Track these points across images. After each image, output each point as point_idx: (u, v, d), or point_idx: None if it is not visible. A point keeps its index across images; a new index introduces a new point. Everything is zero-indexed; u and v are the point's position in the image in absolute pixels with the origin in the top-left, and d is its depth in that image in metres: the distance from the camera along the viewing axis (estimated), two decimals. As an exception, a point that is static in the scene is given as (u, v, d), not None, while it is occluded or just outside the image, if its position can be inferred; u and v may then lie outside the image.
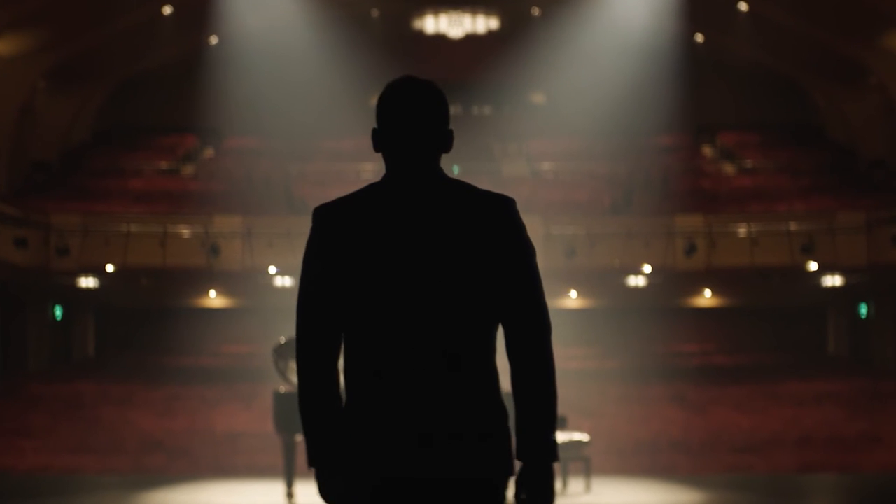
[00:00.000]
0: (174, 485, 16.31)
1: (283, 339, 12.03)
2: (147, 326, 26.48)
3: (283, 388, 12.01)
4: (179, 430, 19.93)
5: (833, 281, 23.31)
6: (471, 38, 31.26)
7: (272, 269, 23.10)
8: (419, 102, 2.90)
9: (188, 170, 29.42)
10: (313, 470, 2.92)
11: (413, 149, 2.90)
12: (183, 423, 20.27)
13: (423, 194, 2.88)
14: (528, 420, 2.85)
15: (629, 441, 19.47)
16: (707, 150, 30.89)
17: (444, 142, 2.94)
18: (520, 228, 2.89)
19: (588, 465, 15.39)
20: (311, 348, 2.88)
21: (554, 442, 2.86)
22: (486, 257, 2.85)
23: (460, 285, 2.83)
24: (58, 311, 26.42)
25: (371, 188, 2.92)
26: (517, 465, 2.86)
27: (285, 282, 23.43)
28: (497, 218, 2.87)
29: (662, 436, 19.80)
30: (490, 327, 2.87)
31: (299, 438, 11.88)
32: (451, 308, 2.83)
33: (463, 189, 2.91)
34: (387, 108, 2.91)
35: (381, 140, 2.93)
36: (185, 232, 23.23)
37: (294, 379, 11.87)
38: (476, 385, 2.83)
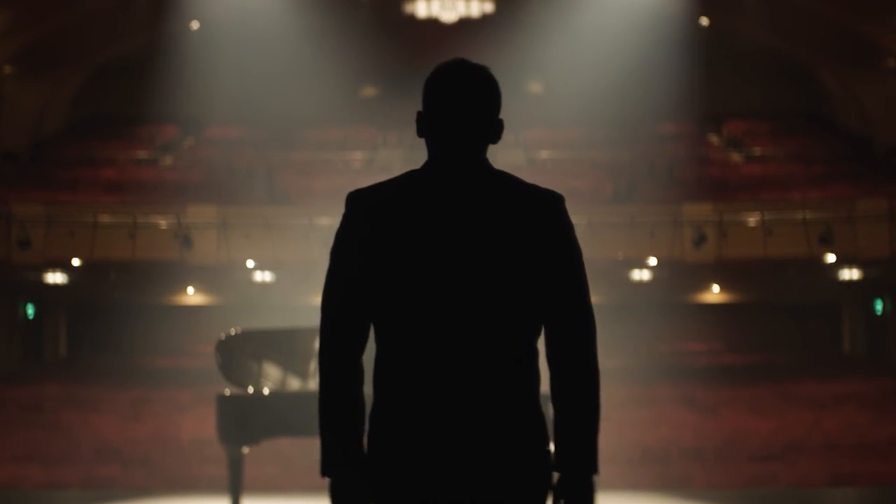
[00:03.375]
0: (121, 500, 14.75)
1: (232, 331, 10.51)
2: (120, 324, 25.17)
3: (227, 391, 10.46)
4: (142, 437, 18.43)
5: (850, 274, 22.08)
6: (465, 23, 30.01)
7: (250, 263, 21.75)
8: (470, 87, 2.75)
9: (167, 160, 28.03)
10: (327, 480, 2.73)
11: (460, 136, 2.75)
12: (148, 428, 18.77)
13: (468, 186, 2.74)
14: (570, 429, 2.73)
15: (637, 449, 17.95)
16: (713, 139, 29.62)
17: (494, 131, 2.79)
18: (568, 227, 2.78)
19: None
20: (337, 345, 2.73)
21: (596, 453, 2.74)
22: (532, 256, 2.72)
23: (503, 285, 2.69)
24: (30, 310, 25.30)
25: (411, 175, 2.79)
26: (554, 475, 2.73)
27: (265, 277, 22.16)
28: (545, 215, 2.75)
29: (673, 443, 18.27)
30: (533, 331, 2.75)
31: (246, 451, 10.45)
32: (493, 309, 2.68)
33: (510, 183, 2.78)
34: (435, 90, 2.77)
35: (426, 125, 2.78)
36: (160, 223, 21.80)
37: (241, 380, 10.47)
38: (516, 394, 2.69)
